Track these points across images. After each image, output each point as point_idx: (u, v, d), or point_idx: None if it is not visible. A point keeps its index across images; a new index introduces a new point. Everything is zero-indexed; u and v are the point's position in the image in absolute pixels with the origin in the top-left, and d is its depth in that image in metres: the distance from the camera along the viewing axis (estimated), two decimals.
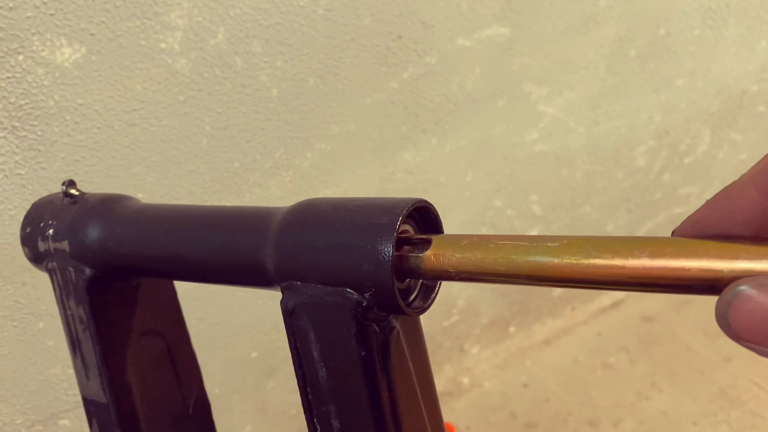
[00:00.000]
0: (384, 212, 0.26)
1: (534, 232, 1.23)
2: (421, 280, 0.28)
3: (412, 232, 0.27)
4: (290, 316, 0.27)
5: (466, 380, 1.29)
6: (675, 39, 1.19)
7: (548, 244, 0.23)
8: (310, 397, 0.28)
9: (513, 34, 0.98)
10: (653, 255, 0.21)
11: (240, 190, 0.84)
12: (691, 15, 1.19)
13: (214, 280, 0.30)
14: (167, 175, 0.79)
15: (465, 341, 1.28)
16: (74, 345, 0.32)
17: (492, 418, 1.22)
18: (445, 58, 0.94)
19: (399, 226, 0.25)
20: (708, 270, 0.20)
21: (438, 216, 0.28)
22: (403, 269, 0.26)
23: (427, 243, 0.26)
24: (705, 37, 1.23)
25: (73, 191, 0.34)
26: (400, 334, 0.28)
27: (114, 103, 0.73)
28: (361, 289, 0.25)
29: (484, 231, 1.16)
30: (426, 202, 0.27)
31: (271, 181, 0.86)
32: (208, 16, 0.74)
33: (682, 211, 1.49)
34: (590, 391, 1.27)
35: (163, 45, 0.73)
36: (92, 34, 0.68)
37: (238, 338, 0.96)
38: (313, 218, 0.27)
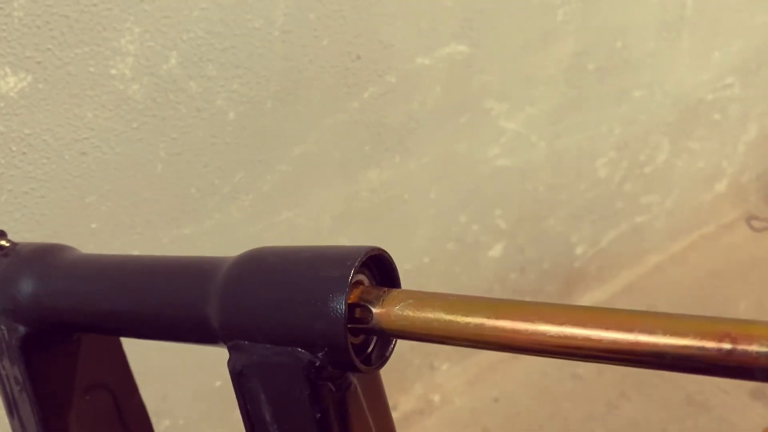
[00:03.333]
0: (335, 264, 0.24)
1: (499, 246, 1.23)
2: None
3: (367, 282, 0.26)
4: (238, 377, 0.26)
5: (437, 398, 1.28)
6: (632, 52, 1.21)
7: (512, 309, 0.22)
8: None
9: (472, 52, 0.99)
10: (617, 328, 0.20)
11: (199, 216, 0.82)
12: (646, 28, 1.21)
13: (157, 337, 0.28)
14: (122, 204, 0.77)
15: (435, 358, 1.27)
16: (11, 407, 0.30)
17: None
18: (406, 76, 0.94)
19: (352, 278, 0.24)
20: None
21: (392, 263, 0.27)
22: (357, 324, 0.24)
23: (381, 296, 0.24)
24: (661, 49, 1.25)
25: (3, 242, 0.32)
26: (358, 388, 0.27)
27: (63, 132, 0.70)
28: (314, 349, 0.24)
29: (450, 246, 1.16)
30: (380, 250, 0.26)
31: (231, 206, 0.84)
32: (159, 40, 0.72)
33: (643, 220, 1.51)
34: (561, 403, 1.27)
35: (113, 71, 0.71)
36: (38, 62, 0.66)
37: (201, 367, 0.94)
38: (259, 272, 0.26)
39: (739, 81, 1.46)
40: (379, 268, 0.27)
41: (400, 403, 1.24)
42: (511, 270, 1.28)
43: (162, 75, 0.73)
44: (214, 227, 0.84)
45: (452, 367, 1.32)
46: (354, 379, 0.27)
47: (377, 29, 0.87)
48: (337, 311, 0.23)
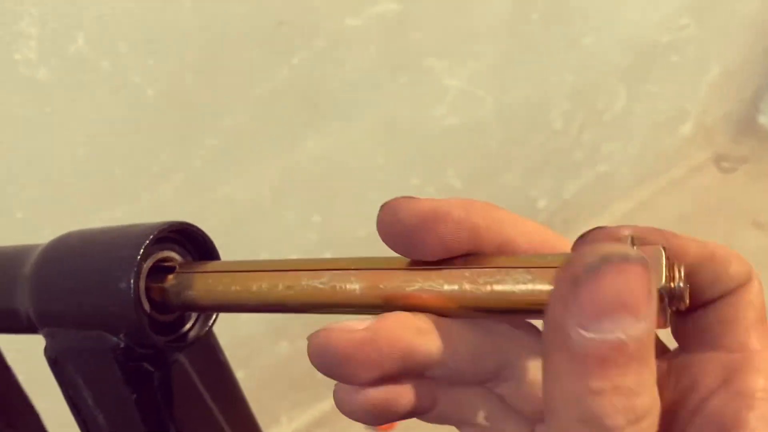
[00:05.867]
0: (128, 243, 0.24)
1: None
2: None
3: (178, 258, 0.25)
4: (54, 365, 0.26)
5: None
6: None
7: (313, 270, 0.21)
8: None
9: (404, 8, 0.96)
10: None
11: (128, 197, 0.81)
12: None
13: None
14: (46, 191, 0.76)
15: None
16: None
17: None
18: (335, 39, 0.91)
19: (141, 257, 0.23)
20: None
21: (204, 236, 0.26)
22: (165, 302, 0.24)
23: (181, 271, 0.24)
24: None
25: None
26: (186, 363, 0.27)
27: None
28: (115, 331, 0.24)
29: None
30: (184, 224, 0.25)
31: (161, 185, 0.83)
32: (63, 20, 0.70)
33: (606, 168, 1.50)
34: None
35: (17, 56, 0.69)
36: None
37: None
38: (62, 257, 0.26)
39: (695, 20, 1.43)
40: (194, 243, 0.26)
41: None
42: None
43: (70, 57, 0.71)
44: (147, 208, 0.82)
45: None
46: (181, 355, 0.26)
47: None
48: (126, 291, 0.23)
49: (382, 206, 0.20)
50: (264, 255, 0.99)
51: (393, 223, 0.20)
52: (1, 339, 0.37)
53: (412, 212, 0.20)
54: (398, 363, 0.19)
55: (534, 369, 0.21)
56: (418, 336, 0.19)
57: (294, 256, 0.96)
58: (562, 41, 1.20)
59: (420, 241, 0.20)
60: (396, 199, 0.20)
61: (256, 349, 1.07)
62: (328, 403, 1.21)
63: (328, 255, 1.06)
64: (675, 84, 1.52)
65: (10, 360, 0.38)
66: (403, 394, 0.20)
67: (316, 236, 1.05)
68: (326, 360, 0.19)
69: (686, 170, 1.74)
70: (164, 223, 0.25)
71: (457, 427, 0.22)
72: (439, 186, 1.18)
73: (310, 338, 0.20)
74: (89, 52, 0.72)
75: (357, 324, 0.19)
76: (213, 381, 0.29)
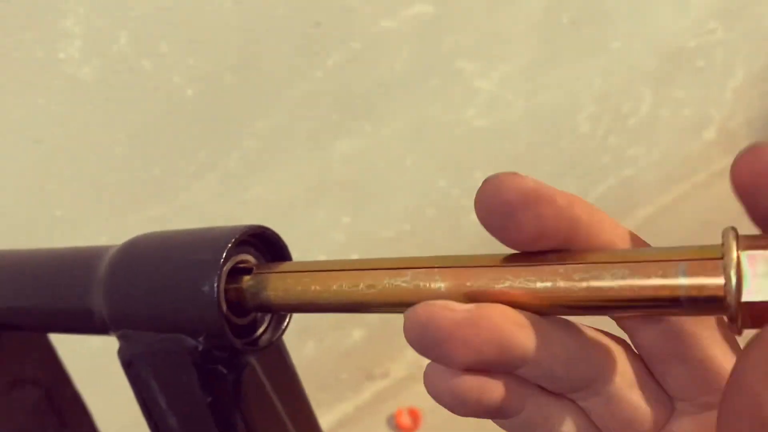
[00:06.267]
0: (209, 246, 0.24)
1: None
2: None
3: (253, 260, 0.25)
4: (128, 367, 0.26)
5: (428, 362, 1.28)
6: (607, 1, 1.18)
7: (397, 269, 0.21)
8: None
9: (438, 11, 0.96)
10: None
11: (164, 197, 0.81)
12: None
13: (51, 330, 0.28)
14: (84, 190, 0.76)
15: None
16: None
17: None
18: (370, 41, 0.91)
19: (224, 260, 0.23)
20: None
21: (279, 239, 0.26)
22: (242, 304, 0.24)
23: (260, 272, 0.23)
24: None
25: None
26: (257, 368, 0.26)
27: (15, 120, 0.69)
28: (194, 334, 0.24)
29: (430, 212, 1.14)
30: (261, 227, 0.25)
31: (197, 185, 0.83)
32: (107, 20, 0.70)
33: (631, 173, 1.49)
34: None
35: (62, 55, 0.69)
36: None
37: None
38: (138, 259, 0.25)
39: (722, 25, 1.42)
40: (267, 246, 0.26)
41: (392, 370, 1.25)
42: None
43: (113, 55, 0.72)
44: (182, 208, 0.83)
45: None
46: (252, 358, 0.26)
47: None
48: (209, 294, 0.23)
49: (485, 180, 0.19)
50: (294, 255, 0.99)
51: (494, 197, 0.19)
52: (52, 337, 0.37)
53: (516, 188, 0.19)
54: (495, 352, 0.18)
55: (625, 388, 0.20)
56: (518, 329, 0.19)
57: (322, 258, 0.96)
58: (591, 45, 1.20)
59: (518, 221, 0.18)
60: (500, 174, 0.19)
61: None
62: (351, 404, 1.21)
63: (355, 257, 1.06)
64: (700, 89, 1.51)
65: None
66: (495, 388, 0.19)
67: (344, 237, 1.05)
68: (426, 335, 0.18)
69: (709, 175, 1.73)
70: (245, 227, 0.24)
71: None
72: (465, 188, 1.18)
73: (408, 313, 0.19)
74: (131, 51, 0.73)
75: (457, 305, 0.19)
76: (281, 385, 0.29)
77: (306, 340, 1.11)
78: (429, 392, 0.19)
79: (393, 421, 1.17)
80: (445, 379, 0.19)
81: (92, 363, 0.56)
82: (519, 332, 0.19)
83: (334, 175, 0.98)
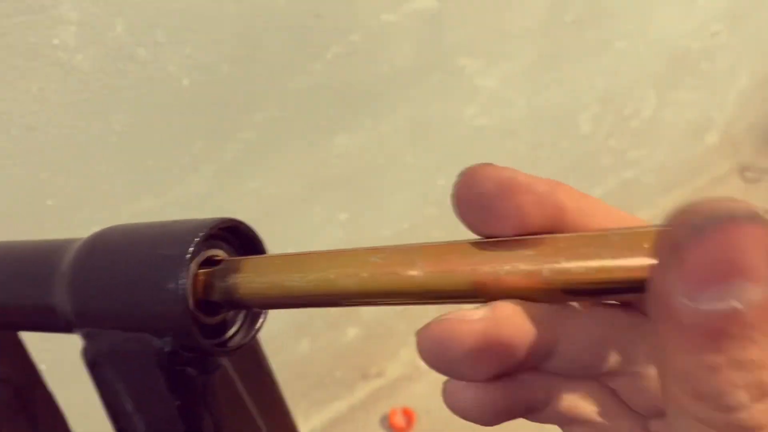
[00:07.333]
0: (177, 240, 0.22)
1: None
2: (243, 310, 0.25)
3: (225, 256, 0.23)
4: (93, 368, 0.24)
5: (424, 363, 1.27)
6: (611, 1, 1.17)
7: (371, 258, 0.20)
8: None
9: (441, 6, 0.95)
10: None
11: (160, 189, 0.80)
12: None
13: (16, 327, 0.27)
14: (78, 179, 0.75)
15: (421, 323, 1.26)
16: None
17: None
18: (371, 35, 0.90)
19: (191, 255, 0.22)
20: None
21: (253, 233, 0.24)
22: (211, 302, 0.22)
23: (231, 267, 0.22)
24: None
25: None
26: (229, 369, 0.25)
27: (7, 107, 0.67)
28: (161, 333, 0.22)
29: (430, 211, 1.13)
30: (234, 221, 0.23)
31: (191, 177, 0.82)
32: (103, 7, 0.69)
33: (632, 175, 1.48)
34: None
35: (56, 41, 0.68)
36: None
37: None
38: (104, 253, 0.24)
39: (727, 28, 1.41)
40: (241, 241, 0.24)
41: (387, 370, 1.23)
42: None
43: (108, 43, 0.70)
44: (176, 200, 0.81)
45: None
46: (223, 360, 0.25)
47: None
48: (174, 291, 0.21)
49: (461, 172, 0.19)
50: (290, 251, 0.98)
51: (470, 189, 0.18)
52: (23, 335, 0.36)
53: (490, 178, 0.18)
54: (520, 354, 0.18)
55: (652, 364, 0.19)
56: (538, 324, 0.18)
57: None
58: (594, 45, 1.19)
59: (497, 213, 0.18)
60: (474, 165, 0.19)
61: (278, 347, 1.05)
62: (345, 403, 1.20)
63: None
64: (703, 92, 1.50)
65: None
66: (520, 389, 0.19)
67: (342, 233, 1.03)
68: (446, 356, 0.17)
69: (710, 179, 1.72)
70: (215, 220, 0.23)
71: (566, 427, 0.20)
72: None
73: (420, 333, 0.18)
74: (127, 39, 0.71)
75: (471, 313, 0.18)
76: (256, 387, 0.28)
77: (300, 338, 1.09)
78: (453, 409, 0.18)
79: (387, 422, 1.16)
80: (470, 394, 0.18)
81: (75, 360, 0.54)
82: (540, 327, 0.18)
83: (333, 171, 0.97)
